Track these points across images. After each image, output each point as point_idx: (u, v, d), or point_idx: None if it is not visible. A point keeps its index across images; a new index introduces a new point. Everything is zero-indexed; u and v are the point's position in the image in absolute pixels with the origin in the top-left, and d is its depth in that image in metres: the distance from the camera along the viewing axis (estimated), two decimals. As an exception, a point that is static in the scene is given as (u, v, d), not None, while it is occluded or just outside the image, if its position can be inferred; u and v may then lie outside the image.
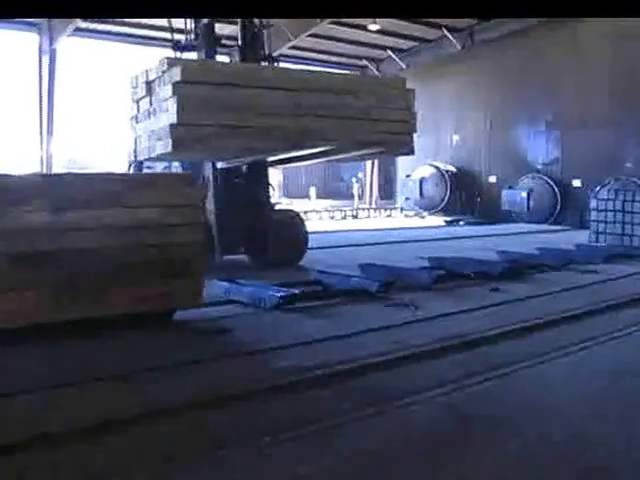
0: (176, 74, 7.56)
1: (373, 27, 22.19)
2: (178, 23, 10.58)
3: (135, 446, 3.68)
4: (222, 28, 10.87)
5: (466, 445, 3.75)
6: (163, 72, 7.86)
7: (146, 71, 8.32)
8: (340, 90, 8.72)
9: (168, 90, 7.68)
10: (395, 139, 9.36)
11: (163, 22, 19.75)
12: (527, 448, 3.70)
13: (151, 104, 8.16)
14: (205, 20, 9.98)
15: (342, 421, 4.04)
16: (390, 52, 25.40)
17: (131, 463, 3.47)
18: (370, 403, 4.34)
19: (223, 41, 10.98)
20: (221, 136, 7.85)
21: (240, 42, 10.50)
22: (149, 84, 8.22)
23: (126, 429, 3.89)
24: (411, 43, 24.91)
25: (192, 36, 10.23)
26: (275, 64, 11.00)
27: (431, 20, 22.35)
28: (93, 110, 31.20)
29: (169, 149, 7.66)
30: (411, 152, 10.01)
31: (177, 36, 10.49)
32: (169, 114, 7.63)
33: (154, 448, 3.66)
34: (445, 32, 23.05)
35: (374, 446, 3.70)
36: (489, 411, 4.29)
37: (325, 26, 21.47)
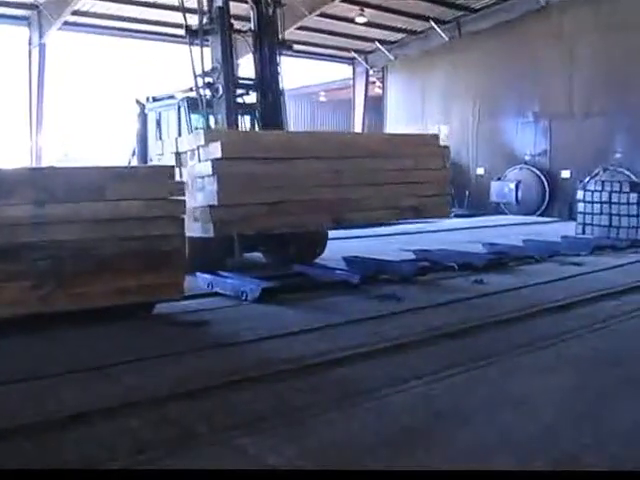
0: (216, 150, 7.22)
1: (361, 20, 22.15)
2: (191, 19, 10.11)
3: (107, 438, 3.69)
4: (236, 7, 10.43)
5: (433, 437, 3.78)
6: (198, 147, 7.50)
7: (175, 140, 7.94)
8: (378, 153, 8.62)
9: (206, 167, 7.32)
10: (432, 201, 9.26)
11: (157, 17, 20.00)
12: (491, 441, 3.71)
13: (181, 175, 7.69)
14: (219, 3, 9.38)
15: (314, 413, 4.06)
16: (378, 44, 25.32)
17: (103, 454, 3.48)
18: (343, 395, 4.37)
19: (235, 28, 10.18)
20: (265, 214, 7.59)
21: (254, 27, 9.92)
22: (179, 155, 7.83)
23: (100, 421, 3.91)
24: (399, 35, 24.83)
25: (206, 20, 9.47)
26: (288, 49, 10.46)
27: (419, 12, 22.34)
28: (88, 104, 30.95)
29: (210, 233, 7.37)
30: (448, 215, 9.84)
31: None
32: (207, 193, 7.32)
33: (128, 440, 3.68)
34: (432, 24, 23.00)
35: (342, 438, 3.72)
36: (462, 404, 4.31)
37: (313, 19, 21.38)
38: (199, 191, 7.49)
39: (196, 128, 10.40)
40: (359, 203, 8.45)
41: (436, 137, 9.83)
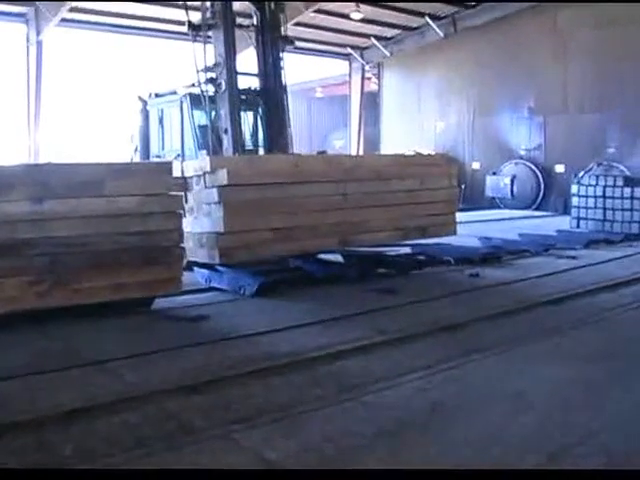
0: (222, 178, 7.19)
1: (356, 16, 22.13)
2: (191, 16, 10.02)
3: (106, 433, 3.72)
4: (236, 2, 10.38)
5: (430, 430, 3.81)
6: (204, 172, 7.45)
7: (181, 166, 7.89)
8: (385, 175, 8.67)
9: (212, 194, 7.30)
10: (439, 221, 9.34)
11: (156, 13, 19.98)
12: (488, 433, 3.75)
13: (186, 200, 7.55)
14: None
15: (312, 407, 4.10)
16: (374, 40, 25.31)
17: (100, 449, 3.51)
18: (341, 389, 4.40)
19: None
20: (271, 240, 7.61)
21: (256, 22, 9.93)
22: (185, 179, 7.70)
23: (99, 416, 3.95)
24: (395, 31, 24.80)
25: (208, 14, 9.43)
26: (291, 45, 10.51)
27: (414, 8, 22.32)
28: (88, 101, 30.72)
29: (216, 260, 7.39)
30: (454, 233, 9.92)
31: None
32: (213, 219, 7.32)
33: (127, 434, 3.71)
34: (428, 20, 22.99)
35: (340, 432, 3.74)
36: (458, 397, 4.34)
37: (309, 15, 21.39)
38: (205, 217, 7.50)
39: (199, 124, 10.40)
40: (366, 225, 8.51)
41: (443, 157, 9.87)
